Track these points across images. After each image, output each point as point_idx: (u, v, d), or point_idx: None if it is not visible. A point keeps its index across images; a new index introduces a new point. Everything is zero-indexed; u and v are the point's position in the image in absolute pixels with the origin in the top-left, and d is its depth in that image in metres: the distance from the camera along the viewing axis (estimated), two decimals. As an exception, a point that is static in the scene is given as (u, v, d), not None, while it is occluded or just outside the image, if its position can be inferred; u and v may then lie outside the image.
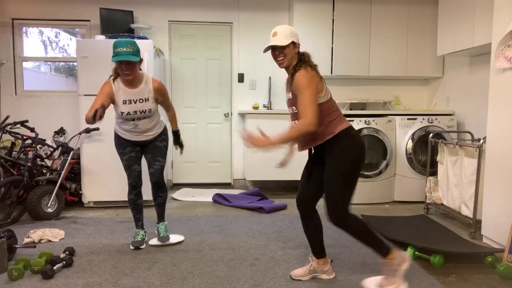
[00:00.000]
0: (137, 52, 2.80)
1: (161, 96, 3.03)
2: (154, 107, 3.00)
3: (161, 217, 3.27)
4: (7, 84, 4.96)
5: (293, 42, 2.27)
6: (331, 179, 2.26)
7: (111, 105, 2.99)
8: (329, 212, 2.28)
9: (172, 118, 3.26)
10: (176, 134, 3.30)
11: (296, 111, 2.32)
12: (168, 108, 3.20)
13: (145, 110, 2.94)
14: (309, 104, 2.16)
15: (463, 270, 2.66)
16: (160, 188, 3.16)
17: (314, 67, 2.29)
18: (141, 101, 2.91)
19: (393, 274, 2.31)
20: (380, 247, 2.30)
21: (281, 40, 2.25)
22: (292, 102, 2.33)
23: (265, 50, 2.34)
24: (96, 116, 2.54)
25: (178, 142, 3.31)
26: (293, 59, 2.31)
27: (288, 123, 4.54)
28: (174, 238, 3.23)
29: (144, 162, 3.17)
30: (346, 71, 4.94)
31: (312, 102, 2.16)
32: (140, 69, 2.96)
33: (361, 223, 2.28)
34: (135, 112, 2.92)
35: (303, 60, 2.29)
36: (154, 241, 3.19)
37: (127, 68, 2.77)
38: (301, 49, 2.36)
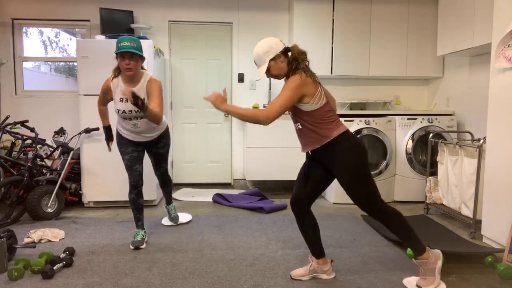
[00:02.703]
0: (140, 48, 2.83)
1: (150, 90, 2.86)
2: None
3: (169, 200, 3.58)
4: (7, 84, 4.96)
5: (271, 59, 2.26)
6: (348, 185, 2.28)
7: (112, 103, 3.03)
8: (366, 211, 2.31)
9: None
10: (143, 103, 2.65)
11: (292, 115, 2.36)
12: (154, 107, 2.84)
13: (139, 110, 2.92)
14: (280, 105, 2.18)
15: (463, 270, 2.66)
16: (167, 183, 3.49)
17: (310, 72, 2.26)
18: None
19: (431, 273, 2.31)
20: (415, 245, 2.30)
21: (260, 69, 2.30)
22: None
23: (258, 80, 2.39)
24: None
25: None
26: (282, 69, 2.30)
27: (286, 123, 4.55)
28: (183, 217, 3.70)
29: (145, 162, 3.18)
30: (346, 71, 4.94)
31: (284, 104, 2.19)
32: (143, 68, 2.97)
33: (399, 218, 2.30)
34: (131, 111, 2.92)
35: (296, 65, 2.26)
36: (166, 221, 3.62)
37: (130, 62, 2.78)
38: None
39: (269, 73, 2.32)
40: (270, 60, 2.27)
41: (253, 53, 2.33)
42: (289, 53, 2.32)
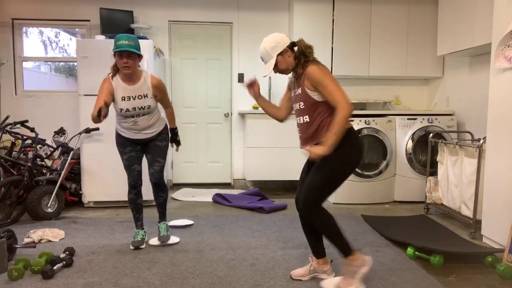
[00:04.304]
0: (137, 47, 2.85)
1: (160, 93, 3.03)
2: (153, 103, 3.00)
3: (162, 217, 3.26)
4: (7, 84, 4.96)
5: (279, 54, 2.27)
6: (318, 169, 2.27)
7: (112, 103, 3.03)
8: (302, 200, 2.28)
9: (170, 116, 3.24)
10: (174, 132, 3.27)
11: (303, 107, 2.30)
12: (167, 105, 3.20)
13: (144, 107, 2.94)
14: (335, 90, 2.18)
15: (463, 270, 2.66)
16: (160, 188, 3.15)
17: (319, 62, 2.29)
18: (139, 97, 2.92)
19: (352, 275, 2.31)
20: (343, 246, 2.30)
21: (267, 66, 2.31)
22: (301, 98, 2.31)
23: (265, 76, 2.38)
24: (100, 114, 2.56)
25: (175, 139, 3.29)
26: (290, 63, 2.31)
27: (287, 123, 4.54)
28: (174, 238, 3.25)
29: (144, 162, 3.18)
30: (346, 71, 4.94)
31: (337, 87, 2.19)
32: (139, 66, 2.98)
33: (329, 220, 2.28)
34: (134, 108, 2.93)
35: (305, 59, 2.28)
36: (154, 241, 3.20)
37: (128, 61, 2.79)
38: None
39: (276, 68, 2.32)
40: (278, 55, 2.28)
41: (259, 50, 2.33)
42: (295, 48, 2.33)
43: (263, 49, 2.30)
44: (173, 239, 3.23)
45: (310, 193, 2.26)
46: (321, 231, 2.33)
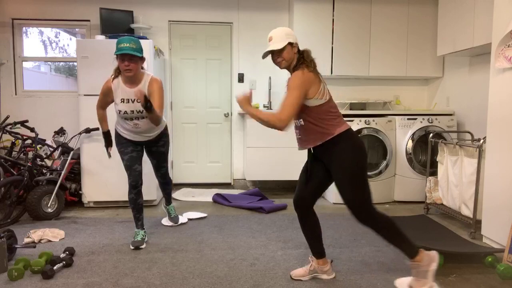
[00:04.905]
0: (139, 49, 2.83)
1: (151, 91, 2.89)
2: None
3: (169, 200, 3.62)
4: (7, 84, 4.96)
5: (290, 43, 2.28)
6: (342, 184, 2.26)
7: (112, 103, 3.04)
8: (354, 215, 2.26)
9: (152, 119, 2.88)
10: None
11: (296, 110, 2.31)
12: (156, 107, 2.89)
13: (142, 110, 2.93)
14: (290, 105, 2.16)
15: (463, 270, 2.66)
16: (167, 183, 3.50)
17: (313, 68, 2.28)
18: (138, 101, 2.91)
19: (423, 275, 2.28)
20: (407, 248, 2.27)
21: (277, 44, 2.27)
22: None
23: (264, 56, 2.36)
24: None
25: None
26: (292, 59, 2.31)
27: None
28: (182, 218, 3.73)
29: (145, 161, 3.18)
30: (346, 71, 4.94)
31: (294, 104, 2.17)
32: (143, 68, 2.98)
33: (389, 222, 2.27)
34: (132, 111, 2.93)
35: (302, 61, 2.28)
36: (166, 221, 3.65)
37: (129, 63, 2.78)
38: (301, 48, 2.36)
39: (280, 55, 2.30)
40: (290, 42, 2.28)
41: (275, 31, 2.31)
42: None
43: (278, 31, 2.30)
44: (182, 219, 3.70)
45: (357, 208, 2.23)
46: (382, 237, 2.29)
